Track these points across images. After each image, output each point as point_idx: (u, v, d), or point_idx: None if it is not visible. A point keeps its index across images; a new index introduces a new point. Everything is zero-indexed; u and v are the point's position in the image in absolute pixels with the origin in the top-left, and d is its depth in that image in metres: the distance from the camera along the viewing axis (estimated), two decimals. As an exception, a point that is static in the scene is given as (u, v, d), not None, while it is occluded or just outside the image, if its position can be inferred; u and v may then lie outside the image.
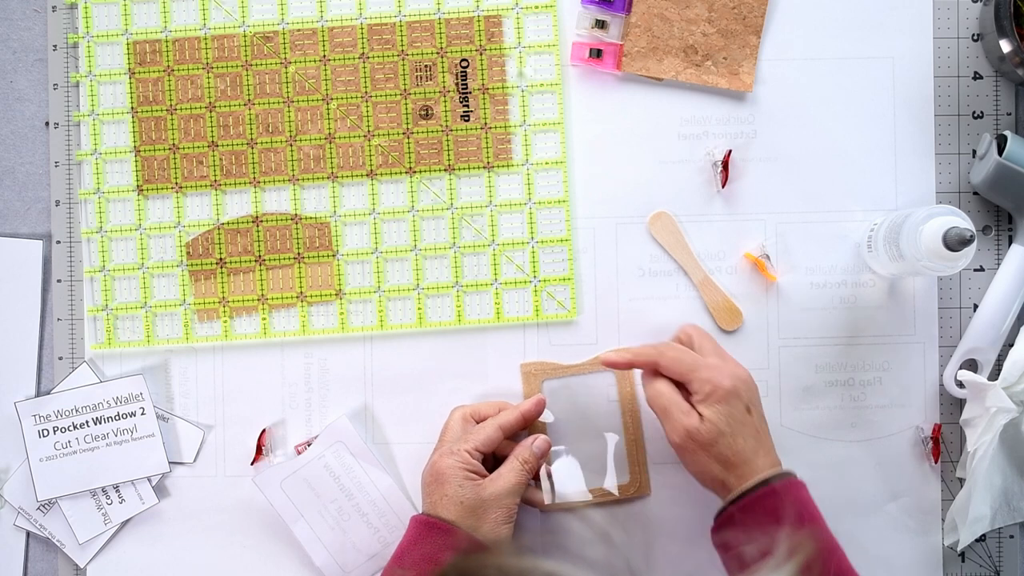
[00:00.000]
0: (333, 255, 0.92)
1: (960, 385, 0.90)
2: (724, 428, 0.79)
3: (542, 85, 0.91)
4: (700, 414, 0.80)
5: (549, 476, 0.87)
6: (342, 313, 0.91)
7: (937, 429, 0.91)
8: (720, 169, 0.91)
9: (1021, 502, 0.88)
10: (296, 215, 0.92)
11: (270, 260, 0.92)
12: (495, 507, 0.81)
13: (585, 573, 0.59)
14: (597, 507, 0.90)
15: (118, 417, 0.91)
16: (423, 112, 0.91)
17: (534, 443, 0.85)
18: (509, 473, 0.83)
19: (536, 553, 0.89)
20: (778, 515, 0.77)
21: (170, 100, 0.92)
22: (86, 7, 0.92)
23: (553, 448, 0.87)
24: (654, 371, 0.83)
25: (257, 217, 0.92)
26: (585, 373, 0.91)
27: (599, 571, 0.61)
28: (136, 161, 0.92)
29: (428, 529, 0.81)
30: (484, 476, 0.83)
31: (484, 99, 0.91)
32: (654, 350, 0.83)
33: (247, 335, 0.91)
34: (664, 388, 0.82)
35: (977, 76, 0.92)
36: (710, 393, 0.80)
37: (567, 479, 0.89)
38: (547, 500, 0.86)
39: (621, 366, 0.85)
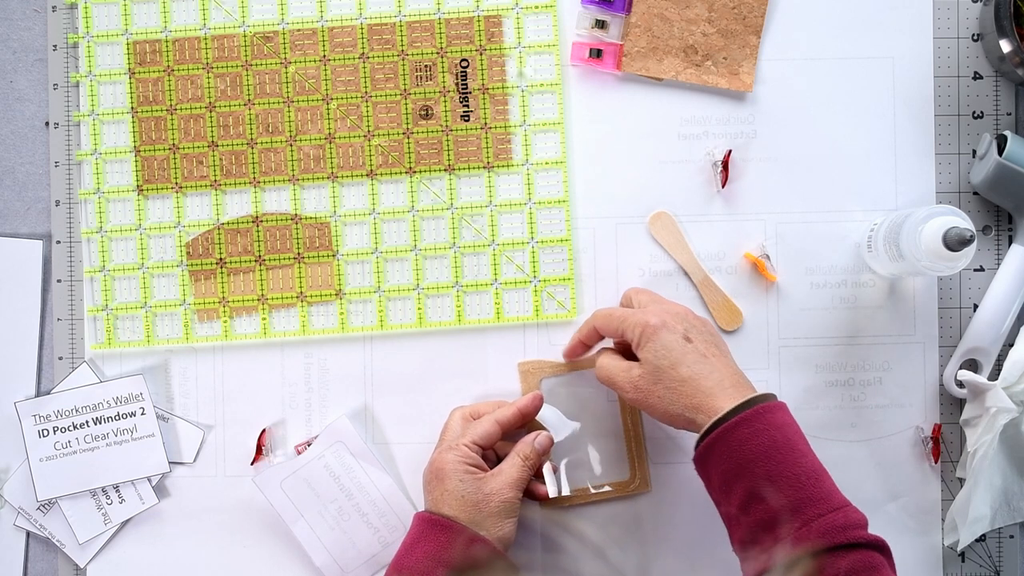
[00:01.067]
0: (333, 255, 0.92)
1: (960, 385, 0.90)
2: (661, 362, 0.79)
3: (542, 85, 0.91)
4: (640, 360, 0.80)
5: (555, 471, 0.87)
6: (342, 313, 0.91)
7: (937, 429, 0.91)
8: (720, 169, 0.91)
9: (1021, 502, 0.88)
10: (296, 215, 0.92)
11: (270, 260, 0.92)
12: (497, 501, 0.81)
13: None
14: (596, 509, 0.90)
15: (118, 417, 0.91)
16: (423, 112, 0.91)
17: (536, 439, 0.85)
18: (511, 468, 0.83)
19: (532, 571, 0.90)
20: (747, 447, 0.75)
21: (170, 100, 0.92)
22: (86, 7, 0.92)
23: (555, 443, 0.88)
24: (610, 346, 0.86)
25: (257, 217, 0.92)
26: (583, 371, 0.91)
27: None
28: (136, 161, 0.92)
29: (431, 526, 0.81)
30: (485, 470, 0.83)
31: (484, 99, 0.91)
32: (590, 319, 0.86)
33: (247, 335, 0.91)
34: (604, 360, 0.84)
35: (977, 76, 0.92)
36: (641, 334, 0.80)
37: (569, 475, 0.89)
38: (551, 493, 0.86)
39: (577, 350, 0.88)
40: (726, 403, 0.76)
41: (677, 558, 0.90)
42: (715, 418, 0.76)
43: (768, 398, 0.77)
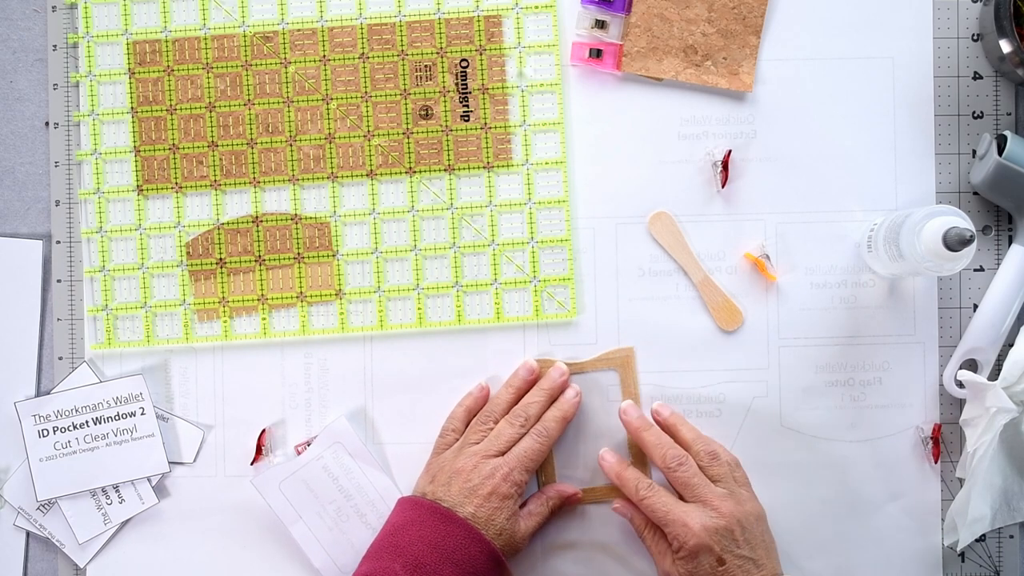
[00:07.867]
0: (333, 255, 0.92)
1: (960, 385, 0.90)
2: None
3: (542, 85, 0.91)
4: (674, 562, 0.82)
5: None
6: (342, 313, 0.91)
7: (937, 429, 0.91)
8: (720, 169, 0.91)
9: (1021, 502, 0.88)
10: (296, 215, 0.92)
11: (270, 260, 0.92)
12: (519, 539, 0.84)
13: None
14: (594, 509, 0.90)
15: (118, 417, 0.91)
16: (423, 112, 0.91)
17: (571, 493, 0.89)
18: (538, 515, 0.87)
19: (532, 572, 0.91)
20: None
21: (170, 100, 0.92)
22: (86, 7, 0.92)
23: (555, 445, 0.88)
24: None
25: (257, 217, 0.92)
26: (589, 372, 0.91)
27: None
28: (136, 161, 0.92)
29: (489, 559, 0.82)
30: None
31: (484, 99, 0.91)
32: (635, 492, 0.85)
33: (247, 335, 0.91)
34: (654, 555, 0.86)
35: (977, 76, 0.92)
36: (679, 548, 0.81)
37: (567, 477, 0.89)
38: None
39: (608, 468, 0.88)
40: None
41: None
42: None
43: None
